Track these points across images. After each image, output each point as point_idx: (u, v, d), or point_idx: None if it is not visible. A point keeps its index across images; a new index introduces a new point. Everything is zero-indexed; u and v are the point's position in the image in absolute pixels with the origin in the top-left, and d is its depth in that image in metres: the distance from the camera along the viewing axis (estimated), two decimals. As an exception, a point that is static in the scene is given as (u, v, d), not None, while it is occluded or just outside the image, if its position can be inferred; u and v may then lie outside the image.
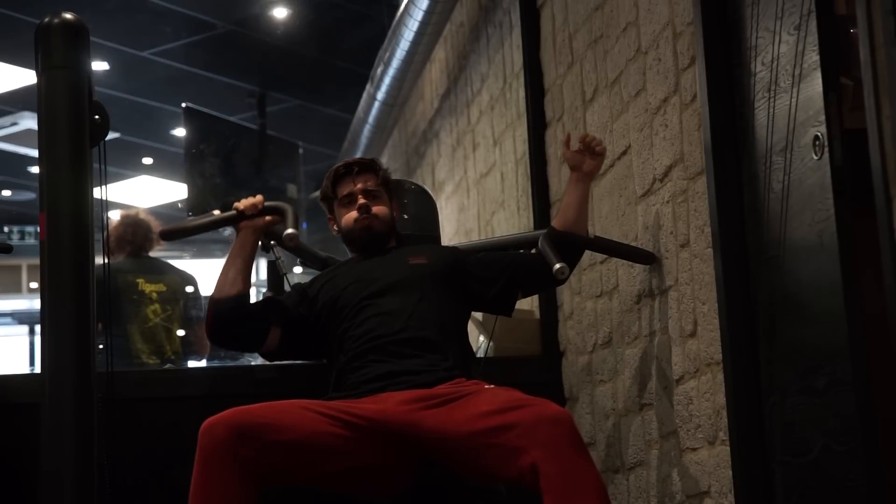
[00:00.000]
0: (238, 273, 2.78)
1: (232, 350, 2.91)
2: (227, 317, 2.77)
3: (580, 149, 2.90)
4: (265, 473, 2.41)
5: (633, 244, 3.07)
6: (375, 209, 2.92)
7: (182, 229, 2.98)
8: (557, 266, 2.69)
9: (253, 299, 2.83)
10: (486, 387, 2.54)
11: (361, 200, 2.90)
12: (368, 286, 2.80)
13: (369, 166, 2.97)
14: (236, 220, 2.81)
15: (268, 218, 2.81)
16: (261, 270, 10.74)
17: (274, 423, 2.42)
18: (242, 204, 2.79)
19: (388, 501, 2.61)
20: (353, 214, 2.91)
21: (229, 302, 2.76)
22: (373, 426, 2.49)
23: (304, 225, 8.54)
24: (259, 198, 2.80)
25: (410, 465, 2.56)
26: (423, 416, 2.49)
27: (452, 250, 3.01)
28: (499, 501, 2.66)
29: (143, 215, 5.10)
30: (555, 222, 2.93)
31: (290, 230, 2.76)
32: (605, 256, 3.32)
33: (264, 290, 3.24)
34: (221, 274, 2.79)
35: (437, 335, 2.70)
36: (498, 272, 2.89)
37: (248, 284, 2.80)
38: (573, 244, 2.88)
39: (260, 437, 2.39)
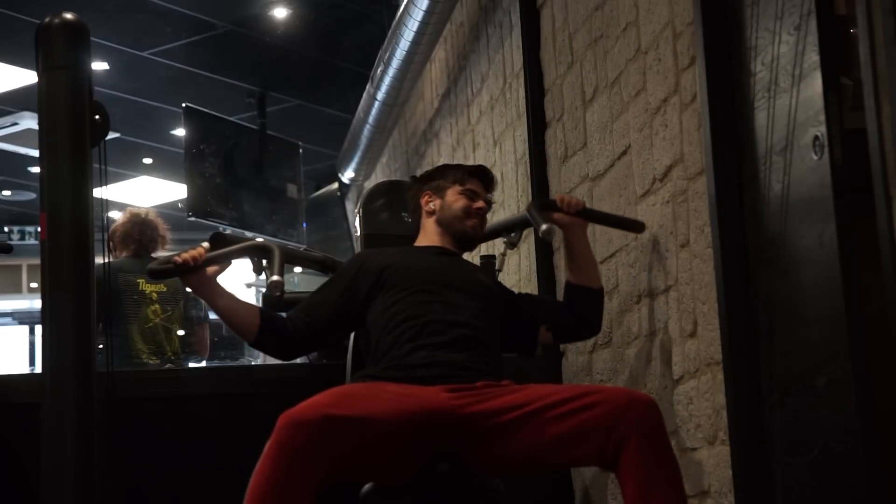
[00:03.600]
0: (234, 316, 2.71)
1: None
2: (275, 352, 2.81)
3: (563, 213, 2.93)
4: (334, 477, 2.34)
5: (631, 242, 3.08)
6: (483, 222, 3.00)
7: (159, 270, 2.73)
8: (544, 227, 2.69)
9: (252, 300, 2.82)
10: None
11: (482, 205, 2.96)
12: (444, 272, 2.82)
13: (492, 189, 3.05)
14: (177, 273, 2.68)
15: (211, 268, 2.68)
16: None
17: (356, 426, 2.33)
18: (181, 257, 2.66)
19: (386, 498, 2.60)
20: (468, 208, 2.94)
21: (262, 343, 2.78)
22: (423, 414, 2.44)
23: (305, 224, 8.53)
24: (200, 249, 2.68)
25: (420, 458, 2.53)
26: (485, 393, 2.50)
27: (504, 286, 3.06)
28: (499, 500, 2.66)
29: (152, 216, 5.07)
30: (568, 277, 2.95)
31: (275, 277, 2.64)
32: (605, 256, 3.32)
33: (263, 289, 3.22)
34: (230, 328, 2.78)
35: (488, 345, 2.72)
36: (525, 304, 2.94)
37: (251, 316, 2.71)
38: (589, 298, 2.92)
39: (341, 442, 2.31)
